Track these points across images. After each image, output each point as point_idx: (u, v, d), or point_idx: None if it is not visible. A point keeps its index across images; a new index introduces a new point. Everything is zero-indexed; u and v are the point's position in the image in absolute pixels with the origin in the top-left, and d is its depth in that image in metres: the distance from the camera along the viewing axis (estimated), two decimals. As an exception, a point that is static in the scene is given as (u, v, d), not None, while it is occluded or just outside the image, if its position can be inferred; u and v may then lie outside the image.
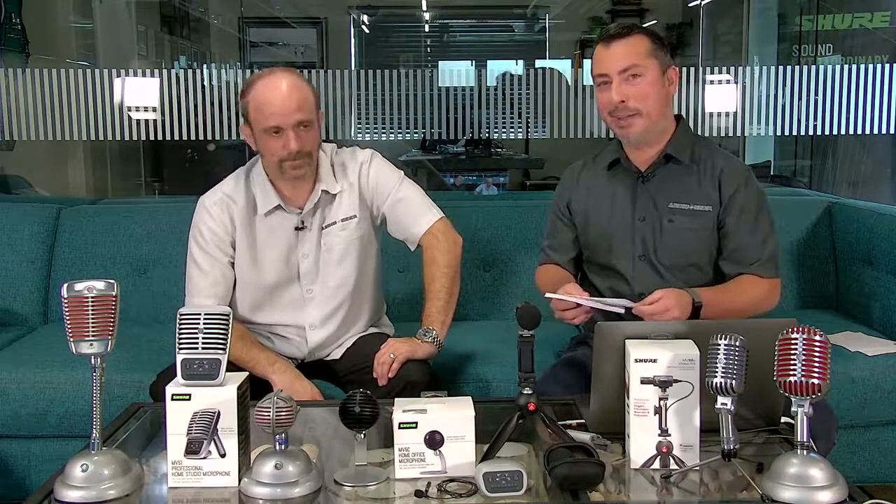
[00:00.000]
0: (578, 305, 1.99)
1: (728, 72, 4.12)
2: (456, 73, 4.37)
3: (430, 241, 2.32)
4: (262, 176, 2.28)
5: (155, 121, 3.96)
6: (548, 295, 2.01)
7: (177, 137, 3.99)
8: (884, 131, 4.05)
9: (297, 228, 2.28)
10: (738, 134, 4.16)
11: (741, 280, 2.13)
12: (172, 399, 1.54)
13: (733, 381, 1.46)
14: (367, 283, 2.37)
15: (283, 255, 2.29)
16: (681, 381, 1.55)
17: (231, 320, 1.57)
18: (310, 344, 2.33)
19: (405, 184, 2.36)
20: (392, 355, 2.15)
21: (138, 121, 3.95)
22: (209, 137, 4.01)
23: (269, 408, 1.47)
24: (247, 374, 1.62)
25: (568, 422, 1.77)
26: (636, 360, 1.57)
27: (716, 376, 1.47)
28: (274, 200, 2.26)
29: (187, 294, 2.28)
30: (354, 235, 2.31)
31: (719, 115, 4.11)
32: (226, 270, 2.27)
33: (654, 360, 1.56)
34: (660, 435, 1.56)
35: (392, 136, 4.25)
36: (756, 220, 2.14)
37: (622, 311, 2.01)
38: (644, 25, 2.13)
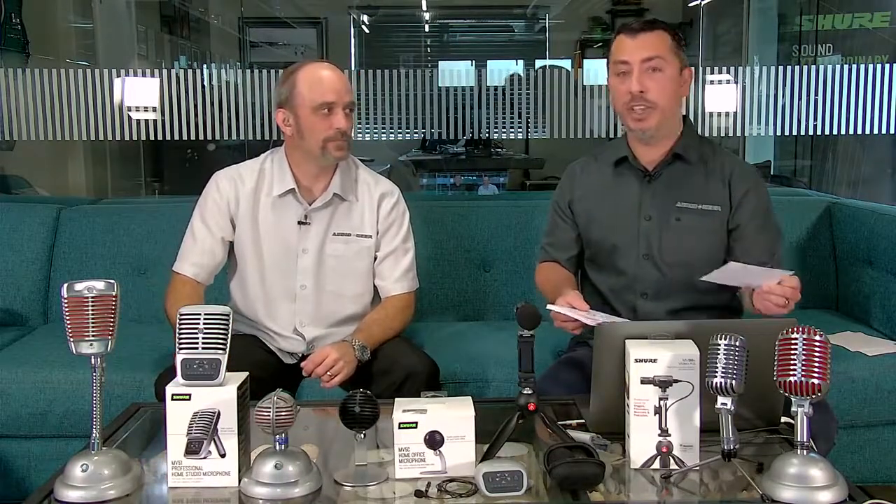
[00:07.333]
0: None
1: (728, 72, 4.12)
2: (456, 73, 4.36)
3: (391, 301, 2.38)
4: (283, 161, 2.33)
5: (155, 121, 3.95)
6: (549, 307, 1.98)
7: (177, 137, 3.99)
8: (884, 131, 4.04)
9: (299, 223, 2.30)
10: (738, 134, 4.16)
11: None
12: (172, 399, 1.54)
13: (733, 381, 1.46)
14: (363, 297, 2.40)
15: (283, 244, 2.32)
16: (681, 381, 1.55)
17: (231, 320, 1.57)
18: (307, 338, 2.34)
19: (408, 245, 2.41)
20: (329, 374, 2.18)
21: (138, 121, 3.95)
22: (209, 137, 4.02)
23: (269, 408, 1.47)
24: (247, 374, 1.62)
25: (568, 422, 1.77)
26: (636, 360, 1.57)
27: (716, 376, 1.47)
28: (289, 184, 2.30)
29: (177, 259, 2.35)
30: (363, 252, 2.36)
31: (719, 115, 4.11)
32: (216, 246, 2.32)
33: (654, 360, 1.56)
34: (660, 435, 1.56)
35: (392, 136, 4.26)
36: (766, 221, 2.16)
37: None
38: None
